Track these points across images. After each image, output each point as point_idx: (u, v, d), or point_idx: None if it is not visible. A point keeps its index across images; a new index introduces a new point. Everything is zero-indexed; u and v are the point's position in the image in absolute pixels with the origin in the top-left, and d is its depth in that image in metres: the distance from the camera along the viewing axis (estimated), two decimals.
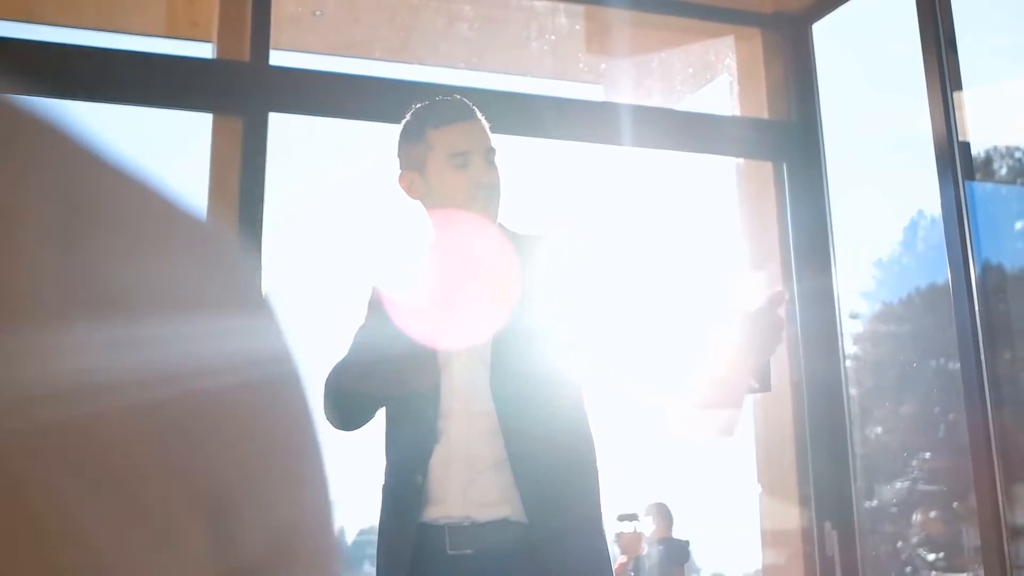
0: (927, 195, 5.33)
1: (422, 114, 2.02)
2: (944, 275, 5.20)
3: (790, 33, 3.53)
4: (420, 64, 3.51)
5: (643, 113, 3.53)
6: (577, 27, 3.53)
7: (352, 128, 3.23)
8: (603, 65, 3.78)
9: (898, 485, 4.25)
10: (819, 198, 3.44)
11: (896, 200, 4.88)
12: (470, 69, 3.55)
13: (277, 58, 3.18)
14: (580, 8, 3.47)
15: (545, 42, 3.53)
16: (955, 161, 3.03)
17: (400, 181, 2.03)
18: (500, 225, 2.02)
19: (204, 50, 3.82)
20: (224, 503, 0.35)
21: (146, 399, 0.34)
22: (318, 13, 3.68)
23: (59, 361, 0.32)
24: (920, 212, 5.39)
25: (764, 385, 1.86)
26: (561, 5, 3.46)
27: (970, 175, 3.06)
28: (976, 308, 2.97)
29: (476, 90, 3.24)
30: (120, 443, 0.32)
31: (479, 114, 2.02)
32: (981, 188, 3.60)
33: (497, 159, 1.99)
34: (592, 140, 3.35)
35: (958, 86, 3.09)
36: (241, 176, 3.04)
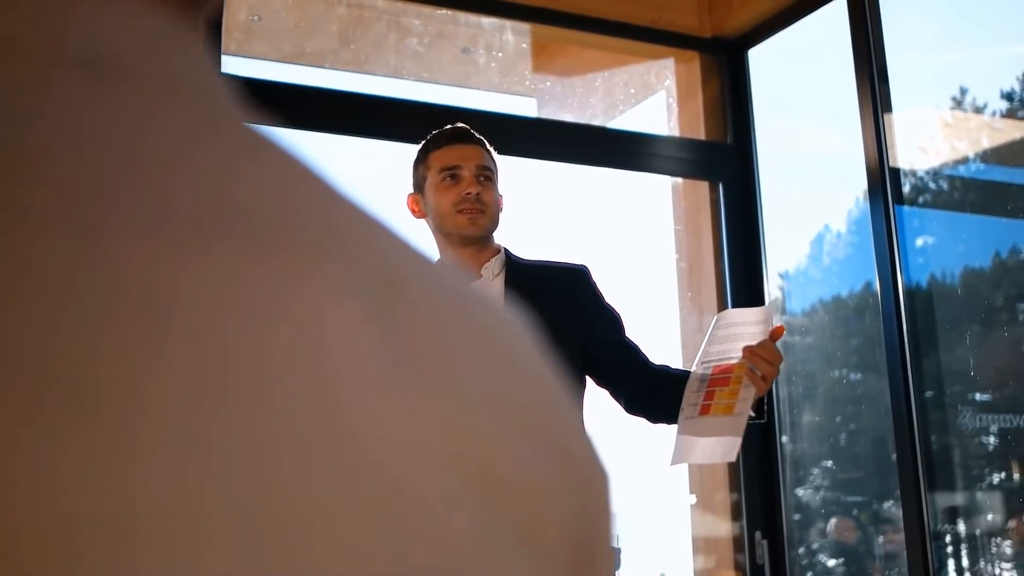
0: (833, 211, 5.55)
1: (427, 140, 2.10)
2: (847, 288, 5.42)
3: (727, 57, 3.65)
4: (370, 75, 3.53)
5: (583, 132, 3.61)
6: (524, 44, 3.59)
7: (303, 139, 3.23)
8: (548, 82, 3.85)
9: (801, 493, 4.41)
10: (753, 216, 3.57)
11: (803, 215, 5.08)
12: (418, 81, 3.58)
13: (226, 64, 3.16)
14: (526, 27, 3.53)
15: (492, 58, 3.58)
16: (886, 186, 3.18)
17: (406, 201, 2.10)
18: (503, 248, 2.07)
19: None
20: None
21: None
22: (255, 19, 3.66)
23: (398, 419, 0.35)
24: (826, 227, 5.62)
25: (760, 415, 1.95)
26: (508, 23, 3.51)
27: (900, 200, 3.21)
28: (904, 323, 3.11)
29: (414, 103, 3.28)
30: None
31: (479, 138, 2.08)
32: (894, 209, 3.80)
33: (494, 180, 2.05)
34: (530, 156, 3.41)
35: (888, 108, 3.24)
36: None
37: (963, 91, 5.09)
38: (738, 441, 1.83)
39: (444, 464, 0.37)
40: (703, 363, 1.99)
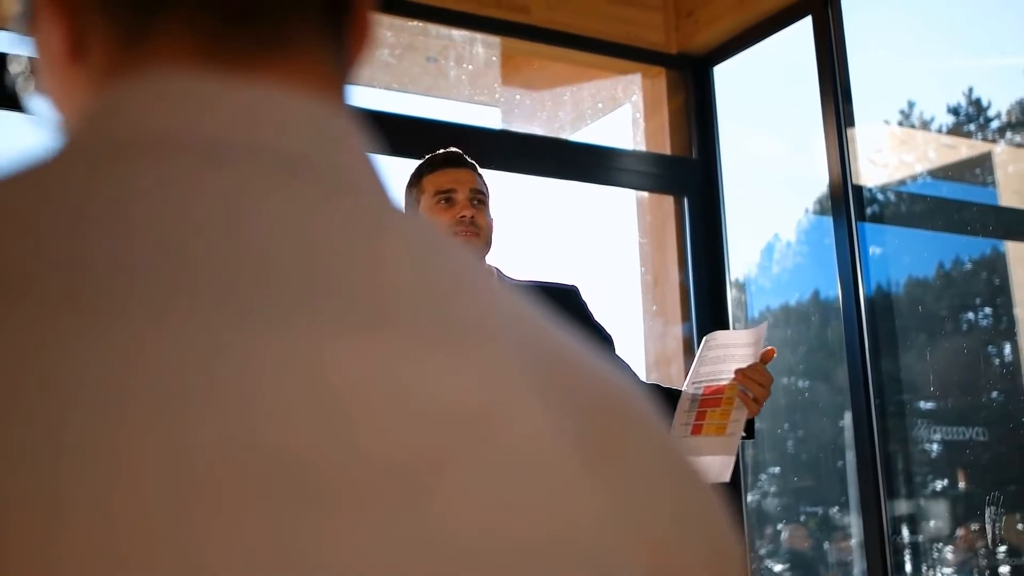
0: (782, 221, 5.65)
1: (421, 164, 2.13)
2: (796, 297, 5.52)
3: (693, 74, 3.72)
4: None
5: (548, 144, 3.65)
6: (494, 58, 3.62)
7: None
8: (517, 95, 3.89)
9: (751, 499, 4.48)
10: (716, 230, 3.63)
11: (756, 225, 5.17)
12: (388, 90, 3.60)
13: None
14: (496, 40, 3.56)
15: (462, 71, 3.61)
16: (848, 201, 3.26)
17: None
18: (495, 269, 2.10)
19: None
20: None
21: None
22: None
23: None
24: (776, 235, 5.72)
25: (750, 434, 2.01)
26: (478, 36, 3.54)
27: (862, 216, 3.29)
28: (865, 334, 3.19)
29: (382, 114, 3.29)
30: None
31: (471, 162, 2.12)
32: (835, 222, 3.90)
33: (487, 203, 2.08)
34: (495, 168, 3.44)
35: (851, 124, 3.32)
36: None
37: (911, 105, 5.21)
38: (732, 461, 1.88)
39: (631, 566, 0.40)
40: (694, 383, 2.03)
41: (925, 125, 4.83)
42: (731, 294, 3.69)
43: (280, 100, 0.47)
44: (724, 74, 3.71)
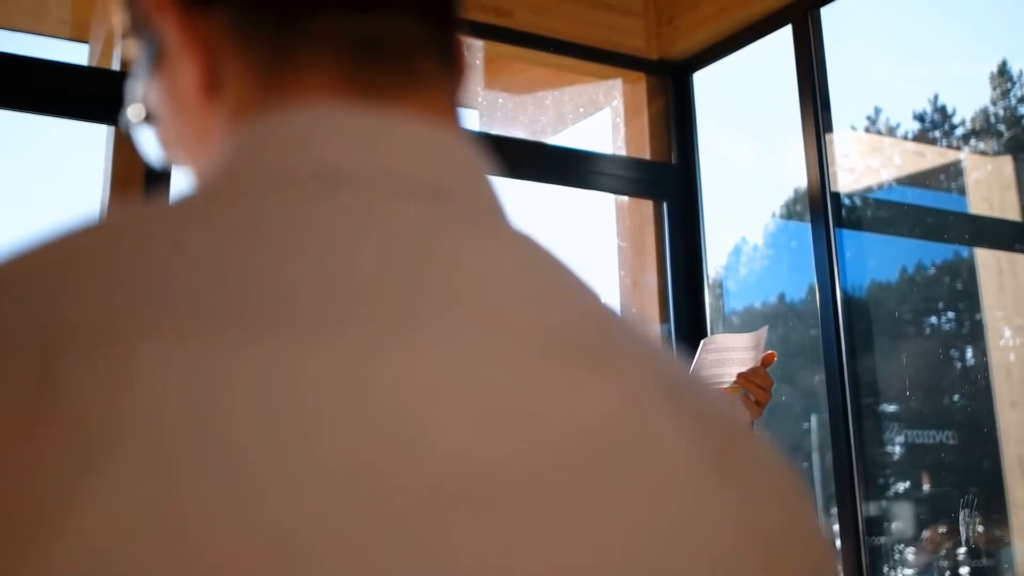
0: (750, 224, 5.71)
1: None
2: (760, 299, 5.58)
3: (673, 80, 3.76)
4: None
5: (529, 148, 3.67)
6: (476, 61, 3.63)
7: None
8: (500, 99, 3.90)
9: None
10: (695, 235, 3.67)
11: (725, 228, 5.23)
12: None
13: None
14: (478, 43, 3.58)
15: None
16: (827, 209, 3.31)
17: None
18: None
19: (78, 51, 3.72)
20: None
21: None
22: None
23: None
24: (743, 239, 5.78)
25: None
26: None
27: (840, 223, 3.34)
28: (842, 338, 3.24)
29: None
30: None
31: None
32: (796, 226, 3.97)
33: None
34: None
35: (830, 127, 3.37)
36: (145, 192, 2.99)
37: (877, 111, 5.28)
38: None
39: (755, 569, 0.43)
40: None
41: (891, 131, 4.91)
42: (708, 297, 3.74)
43: (420, 131, 0.49)
44: (702, 80, 3.75)
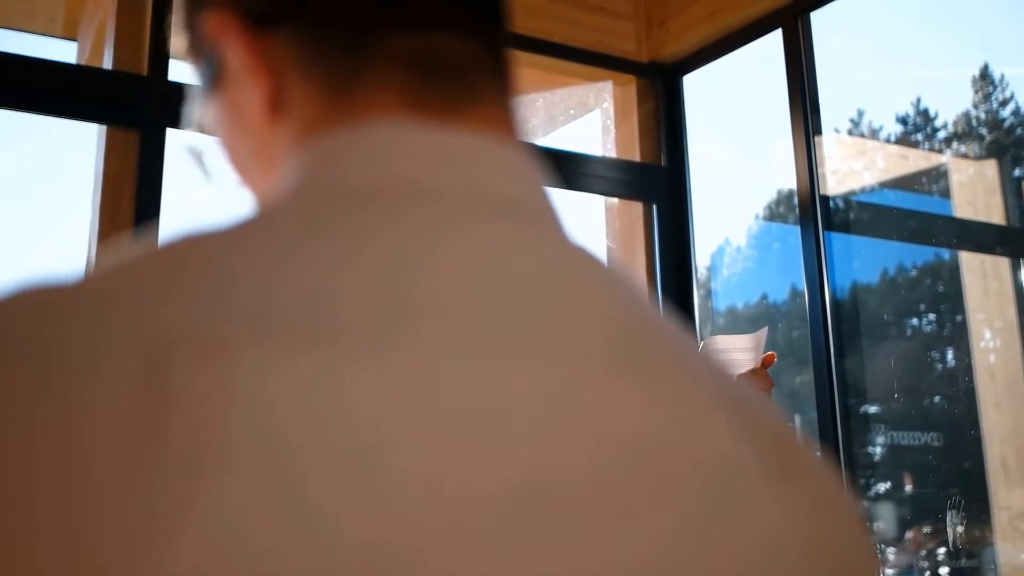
0: (734, 226, 5.74)
1: None
2: (742, 300, 5.61)
3: (663, 83, 3.77)
4: None
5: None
6: None
7: None
8: None
9: None
10: (684, 237, 3.69)
11: (709, 230, 5.26)
12: None
13: (176, 69, 3.13)
14: None
15: None
16: (816, 212, 3.33)
17: None
18: None
19: (67, 49, 3.70)
20: None
21: None
22: None
23: None
24: (727, 240, 5.81)
25: None
26: None
27: (829, 226, 3.37)
28: (831, 340, 3.26)
29: None
30: None
31: None
32: (779, 227, 4.01)
33: None
34: None
35: (820, 130, 3.39)
36: (137, 191, 2.98)
37: (860, 114, 5.32)
38: None
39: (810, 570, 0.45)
40: None
41: (874, 134, 4.95)
42: (696, 299, 3.76)
43: (488, 146, 0.50)
44: (691, 83, 3.77)
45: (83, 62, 3.53)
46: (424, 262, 0.43)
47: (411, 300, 0.41)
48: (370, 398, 0.37)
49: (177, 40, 0.75)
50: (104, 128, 3.06)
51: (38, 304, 0.40)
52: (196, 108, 0.62)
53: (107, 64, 3.14)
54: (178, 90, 3.13)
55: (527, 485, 0.37)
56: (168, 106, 3.09)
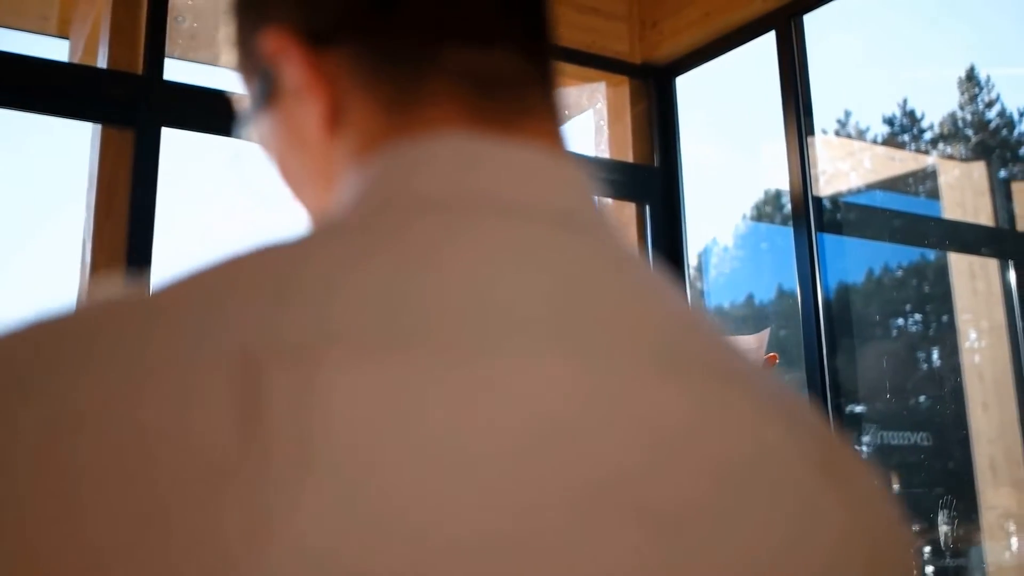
0: (720, 226, 5.76)
1: None
2: (729, 300, 5.63)
3: (656, 84, 3.79)
4: None
5: None
6: None
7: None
8: None
9: None
10: (677, 237, 3.71)
11: (698, 230, 5.28)
12: None
13: (171, 68, 3.13)
14: None
15: None
16: (809, 213, 3.35)
17: None
18: None
19: (59, 47, 3.69)
20: None
21: None
22: (179, 19, 3.61)
23: None
24: (714, 240, 5.84)
25: None
26: None
27: (821, 227, 3.39)
28: (824, 342, 3.29)
29: None
30: None
31: None
32: (765, 228, 4.05)
33: None
34: None
35: (812, 132, 3.41)
36: (132, 190, 2.98)
37: (848, 114, 5.36)
38: None
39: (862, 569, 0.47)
40: None
41: (860, 135, 4.98)
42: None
43: (545, 159, 0.52)
44: (683, 84, 3.79)
45: (76, 60, 3.52)
46: (496, 271, 0.44)
47: (487, 307, 0.42)
48: (453, 402, 0.38)
49: (226, 56, 0.75)
50: (99, 127, 3.05)
51: (118, 315, 0.40)
52: (246, 122, 0.62)
53: (101, 63, 3.13)
54: (173, 89, 3.12)
55: (600, 483, 0.39)
56: (163, 105, 3.09)
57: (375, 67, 0.53)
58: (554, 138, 0.54)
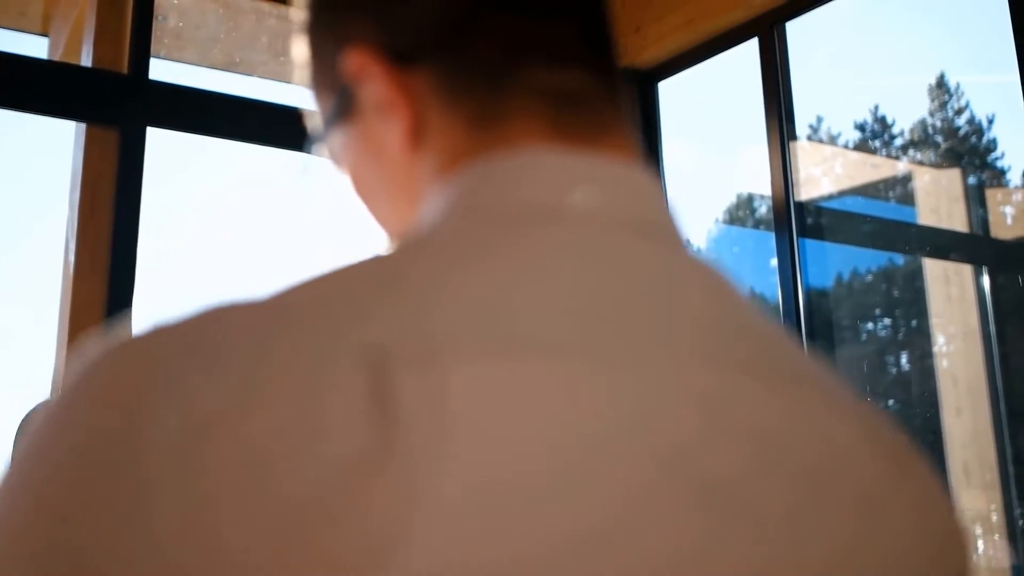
0: (694, 230, 5.80)
1: None
2: None
3: (639, 88, 3.81)
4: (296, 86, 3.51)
5: None
6: None
7: (237, 149, 3.20)
8: None
9: None
10: None
11: None
12: None
13: (156, 68, 3.11)
14: None
15: None
16: (791, 218, 3.38)
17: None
18: None
19: (38, 45, 3.66)
20: None
21: None
22: (160, 19, 3.59)
23: None
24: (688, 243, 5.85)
25: None
26: None
27: (803, 232, 3.42)
28: (804, 342, 3.31)
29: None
30: None
31: None
32: (736, 231, 4.08)
33: None
34: None
35: (795, 137, 3.45)
36: (116, 190, 2.96)
37: (819, 120, 5.40)
38: None
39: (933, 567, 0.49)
40: None
41: (832, 140, 5.03)
42: None
43: (625, 172, 0.54)
44: (665, 88, 3.81)
45: (56, 58, 3.49)
46: (592, 277, 0.46)
47: (591, 312, 0.44)
48: (566, 400, 0.40)
49: (299, 74, 0.76)
50: (83, 126, 3.03)
51: (242, 317, 0.41)
52: (321, 137, 0.63)
53: (86, 61, 3.11)
54: (159, 89, 3.10)
55: (710, 481, 0.41)
56: (149, 105, 3.07)
57: (456, 85, 0.54)
58: (630, 152, 0.56)
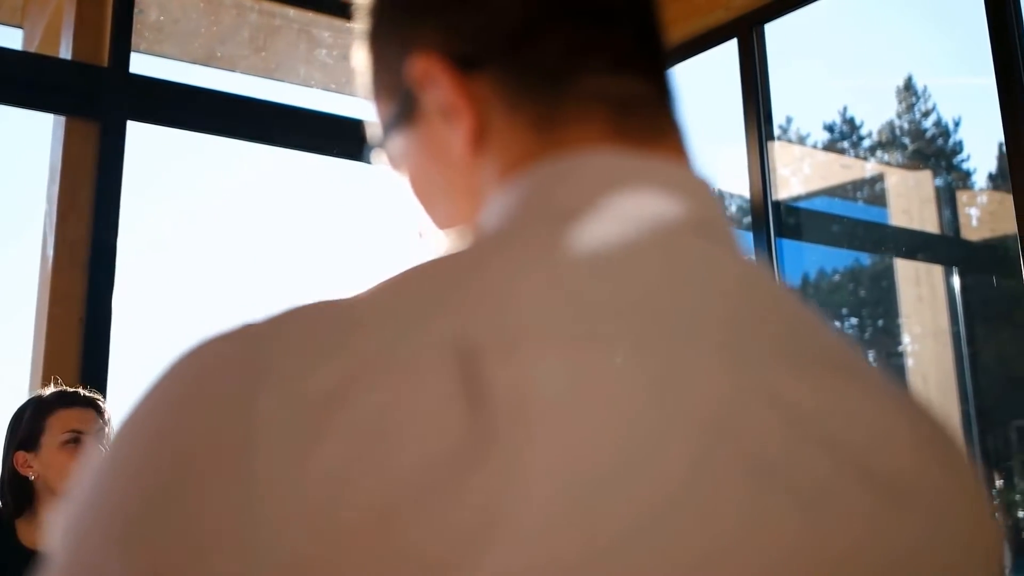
0: None
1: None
2: None
3: None
4: (280, 82, 3.51)
5: None
6: None
7: (217, 144, 3.19)
8: None
9: None
10: None
11: None
12: (326, 91, 3.59)
13: (136, 62, 3.08)
14: None
15: None
16: (768, 218, 3.42)
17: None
18: None
19: (11, 37, 3.62)
20: None
21: None
22: (139, 12, 3.56)
23: None
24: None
25: None
26: None
27: (780, 232, 3.46)
28: None
29: (321, 114, 3.30)
30: None
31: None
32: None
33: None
34: None
35: (772, 137, 3.48)
36: (96, 183, 2.93)
37: (789, 120, 5.46)
38: None
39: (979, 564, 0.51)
40: None
41: (801, 140, 5.08)
42: None
43: (681, 174, 0.56)
44: None
45: (32, 50, 3.45)
46: (656, 273, 0.48)
47: (654, 305, 0.46)
48: (640, 389, 0.42)
49: (360, 80, 0.76)
50: (62, 119, 3.00)
51: (329, 315, 0.43)
52: (381, 141, 0.64)
53: (64, 54, 3.08)
54: (140, 83, 3.08)
55: (753, 466, 0.42)
56: (129, 98, 3.04)
57: (519, 90, 0.56)
58: (686, 155, 0.58)
